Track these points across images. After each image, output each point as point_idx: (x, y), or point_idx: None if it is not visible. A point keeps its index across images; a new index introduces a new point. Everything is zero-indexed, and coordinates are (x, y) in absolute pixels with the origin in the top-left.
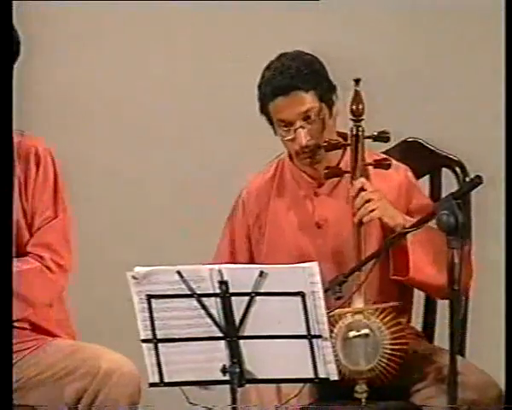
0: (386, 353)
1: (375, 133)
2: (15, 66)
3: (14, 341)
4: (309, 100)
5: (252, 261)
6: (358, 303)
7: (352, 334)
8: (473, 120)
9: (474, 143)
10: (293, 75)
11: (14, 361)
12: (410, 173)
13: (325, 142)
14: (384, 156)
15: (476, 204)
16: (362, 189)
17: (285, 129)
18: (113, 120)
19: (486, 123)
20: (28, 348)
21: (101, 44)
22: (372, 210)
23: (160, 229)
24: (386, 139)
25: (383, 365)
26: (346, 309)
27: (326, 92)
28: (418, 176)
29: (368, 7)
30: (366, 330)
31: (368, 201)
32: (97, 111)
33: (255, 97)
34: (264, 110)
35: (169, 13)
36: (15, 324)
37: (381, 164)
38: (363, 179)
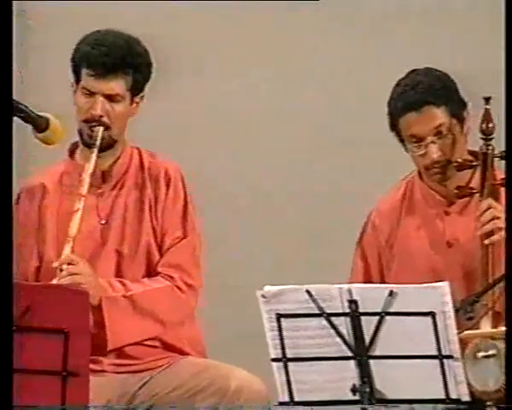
0: None
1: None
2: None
3: (146, 359)
4: (441, 115)
5: (383, 281)
6: (486, 325)
7: (480, 354)
8: None
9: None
10: (425, 90)
11: (147, 379)
12: None
13: (456, 162)
14: None
15: None
16: (489, 208)
17: (416, 144)
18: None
19: None
20: (160, 367)
21: None
22: (499, 228)
23: (288, 247)
24: None
25: None
26: (475, 332)
27: (457, 108)
28: None
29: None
30: (494, 351)
31: (495, 218)
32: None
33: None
34: (394, 126)
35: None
36: (147, 342)
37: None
38: (490, 200)
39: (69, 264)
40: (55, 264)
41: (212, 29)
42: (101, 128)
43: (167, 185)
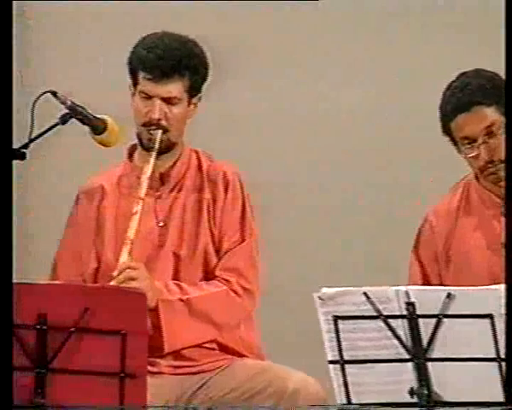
0: None
1: None
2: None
3: (203, 361)
4: (491, 114)
5: (441, 283)
6: None
7: None
8: None
9: None
10: (474, 91)
11: (204, 381)
12: None
13: None
14: None
15: None
16: None
17: (468, 146)
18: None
19: None
20: (218, 368)
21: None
22: None
23: (345, 249)
24: None
25: None
26: None
27: None
28: None
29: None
30: None
31: None
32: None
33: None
34: (446, 130)
35: None
36: (204, 344)
37: None
38: None
39: (128, 268)
40: (115, 273)
41: (269, 28)
42: (160, 131)
43: (225, 188)
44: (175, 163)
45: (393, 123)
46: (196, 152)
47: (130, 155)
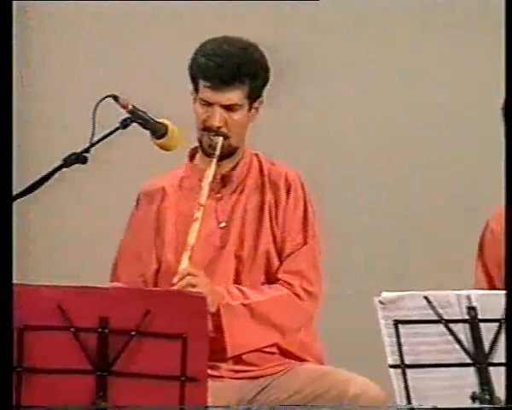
0: None
1: None
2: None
3: (264, 365)
4: None
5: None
6: None
7: None
8: None
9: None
10: None
11: (264, 385)
12: None
13: None
14: None
15: None
16: None
17: None
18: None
19: None
20: (278, 373)
21: None
22: None
23: (405, 253)
24: None
25: None
26: None
27: None
28: None
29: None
30: None
31: None
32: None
33: None
34: None
35: None
36: (265, 348)
37: None
38: None
39: (188, 274)
40: (175, 279)
41: (332, 32)
42: (221, 138)
43: (287, 191)
44: (236, 165)
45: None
46: (257, 155)
47: (192, 157)
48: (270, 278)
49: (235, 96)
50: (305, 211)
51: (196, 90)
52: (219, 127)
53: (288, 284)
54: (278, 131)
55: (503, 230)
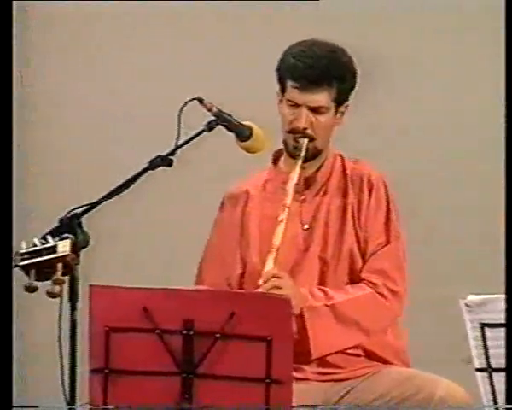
0: None
1: None
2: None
3: (349, 367)
4: None
5: None
6: None
7: None
8: None
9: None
10: None
11: (350, 387)
12: None
13: None
14: None
15: None
16: None
17: None
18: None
19: None
20: (364, 375)
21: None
22: None
23: (491, 256)
24: None
25: None
26: None
27: None
28: None
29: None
30: None
31: None
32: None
33: None
34: None
35: None
36: (350, 351)
37: None
38: None
39: (273, 277)
40: (260, 281)
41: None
42: (306, 140)
43: (370, 191)
44: (320, 167)
45: None
46: (340, 155)
47: (276, 161)
48: (355, 279)
49: (322, 98)
50: (388, 211)
51: (283, 90)
52: (305, 129)
53: (372, 283)
54: (361, 134)
55: None
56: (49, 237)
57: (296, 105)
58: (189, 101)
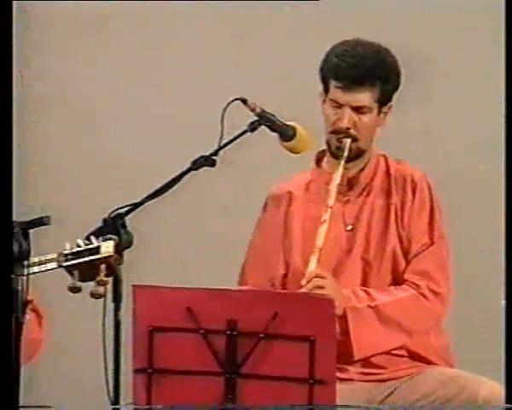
0: None
1: None
2: None
3: (393, 368)
4: None
5: None
6: None
7: None
8: None
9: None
10: None
11: (394, 388)
12: None
13: None
14: None
15: None
16: None
17: None
18: None
19: None
20: (407, 376)
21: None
22: None
23: None
24: None
25: None
26: None
27: None
28: None
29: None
30: None
31: None
32: None
33: None
34: None
35: None
36: (394, 351)
37: None
38: None
39: (316, 276)
40: (303, 281)
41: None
42: (349, 140)
43: (413, 192)
44: (363, 168)
45: None
46: (384, 156)
47: (318, 161)
48: (398, 280)
49: (365, 98)
50: (432, 212)
51: (326, 91)
52: (348, 128)
53: (415, 284)
54: (406, 135)
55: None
56: (93, 238)
57: (339, 105)
58: (233, 101)
